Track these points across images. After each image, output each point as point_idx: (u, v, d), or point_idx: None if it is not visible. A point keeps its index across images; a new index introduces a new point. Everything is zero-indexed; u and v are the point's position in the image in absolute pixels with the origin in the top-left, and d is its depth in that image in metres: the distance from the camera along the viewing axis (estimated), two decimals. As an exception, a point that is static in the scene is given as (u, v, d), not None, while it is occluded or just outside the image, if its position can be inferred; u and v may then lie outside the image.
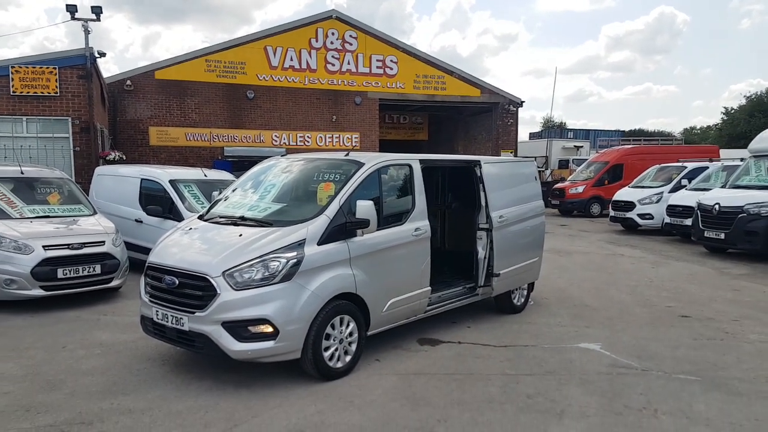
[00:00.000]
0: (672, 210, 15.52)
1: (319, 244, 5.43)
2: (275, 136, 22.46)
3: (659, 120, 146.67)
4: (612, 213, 18.48)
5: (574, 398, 5.23)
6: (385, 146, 25.32)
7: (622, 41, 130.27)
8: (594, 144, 39.12)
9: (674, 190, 16.82)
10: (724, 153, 27.64)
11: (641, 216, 17.34)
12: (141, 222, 10.47)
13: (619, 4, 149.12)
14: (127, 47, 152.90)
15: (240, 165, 20.03)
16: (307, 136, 22.94)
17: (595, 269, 11.66)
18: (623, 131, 54.29)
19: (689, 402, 5.18)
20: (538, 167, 29.65)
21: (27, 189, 9.18)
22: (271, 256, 5.21)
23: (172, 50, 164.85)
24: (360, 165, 6.06)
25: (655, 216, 16.92)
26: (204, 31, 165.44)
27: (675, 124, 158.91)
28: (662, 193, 17.15)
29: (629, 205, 17.66)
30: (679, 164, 18.45)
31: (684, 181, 16.87)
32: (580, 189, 22.93)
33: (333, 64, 23.04)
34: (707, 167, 16.86)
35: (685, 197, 15.25)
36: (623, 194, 18.37)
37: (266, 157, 7.62)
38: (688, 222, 14.30)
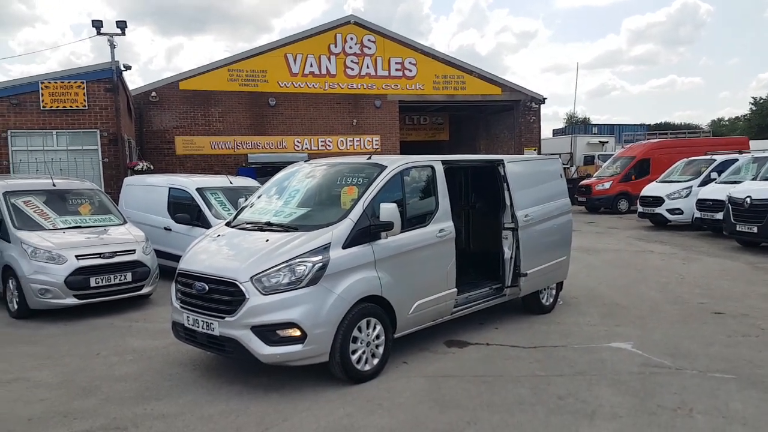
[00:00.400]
0: (702, 204, 15.23)
1: (344, 247, 5.46)
2: (297, 141, 22.63)
3: (685, 113, 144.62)
4: (640, 209, 18.18)
5: (606, 398, 5.17)
6: (406, 147, 25.34)
7: (644, 34, 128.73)
8: (619, 139, 38.60)
9: (704, 183, 16.49)
10: (753, 144, 27.09)
11: (670, 211, 17.04)
12: (169, 230, 10.64)
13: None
14: (150, 59, 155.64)
15: (263, 171, 20.21)
16: (329, 141, 23.07)
17: (624, 266, 11.51)
18: (648, 125, 53.56)
19: (725, 401, 5.08)
20: (563, 164, 29.41)
21: (59, 200, 9.39)
22: (298, 260, 5.26)
23: (195, 60, 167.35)
24: (382, 168, 6.09)
25: (685, 211, 16.60)
26: (225, 41, 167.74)
27: (702, 116, 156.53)
28: (691, 187, 16.82)
29: (658, 201, 17.36)
30: (708, 157, 18.09)
31: (713, 174, 16.53)
32: (607, 185, 22.63)
33: (352, 69, 23.14)
34: (737, 159, 16.49)
35: (715, 191, 14.95)
36: (651, 189, 18.06)
37: (289, 163, 7.69)
38: (719, 216, 14.01)
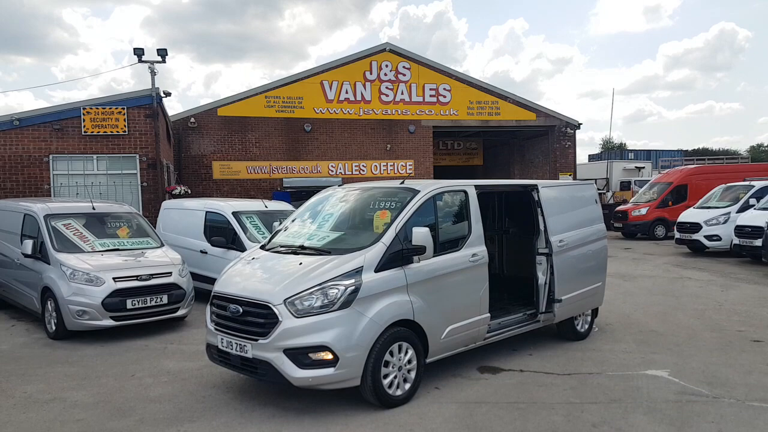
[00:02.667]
0: (740, 230, 14.90)
1: (377, 271, 5.48)
2: (331, 166, 22.86)
3: (723, 138, 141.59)
4: (677, 235, 17.85)
5: (641, 427, 5.06)
6: (439, 172, 25.37)
7: (681, 60, 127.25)
8: (656, 164, 38.01)
9: (742, 209, 16.15)
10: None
11: (708, 237, 16.69)
12: (205, 253, 10.80)
13: (676, 23, 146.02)
14: (189, 85, 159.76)
15: (298, 195, 20.46)
16: (363, 165, 23.25)
17: (661, 293, 11.27)
18: (686, 150, 52.63)
19: (763, 430, 4.92)
20: (599, 189, 29.07)
21: (98, 224, 9.62)
22: (330, 283, 5.29)
23: (233, 87, 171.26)
24: (415, 192, 6.12)
25: (723, 237, 16.25)
26: (262, 68, 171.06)
27: (740, 141, 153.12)
28: (729, 213, 16.48)
29: (695, 227, 17.02)
30: (746, 183, 17.73)
31: (752, 201, 16.19)
32: (644, 211, 22.27)
33: (387, 95, 23.38)
34: (776, 185, 16.14)
35: (754, 217, 14.63)
36: (689, 215, 17.74)
37: (323, 187, 7.77)
38: (758, 243, 13.70)
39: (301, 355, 5.15)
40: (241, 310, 5.49)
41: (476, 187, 6.66)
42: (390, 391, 5.48)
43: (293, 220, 7.01)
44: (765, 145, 69.75)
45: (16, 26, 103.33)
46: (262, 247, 6.62)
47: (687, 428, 5.01)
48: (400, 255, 5.64)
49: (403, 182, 6.59)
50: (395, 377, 5.54)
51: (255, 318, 5.38)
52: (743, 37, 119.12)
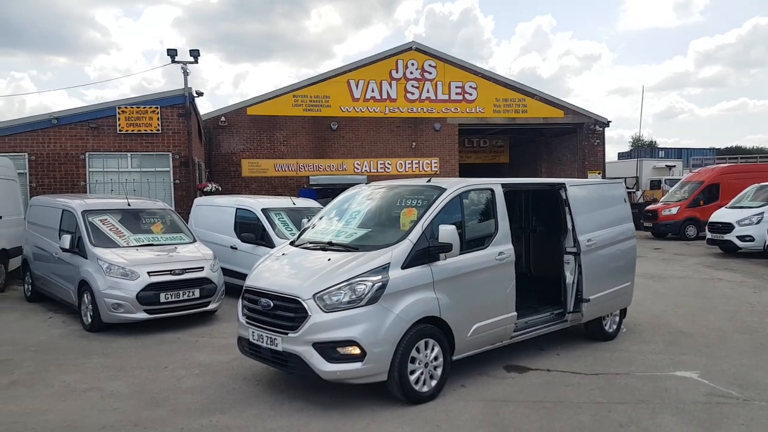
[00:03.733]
0: (775, 231, 14.60)
1: (403, 268, 5.55)
2: (357, 164, 23.00)
3: (757, 136, 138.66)
4: (709, 235, 17.57)
5: (669, 428, 5.06)
6: (465, 170, 25.31)
7: (713, 56, 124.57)
8: (687, 163, 37.40)
9: (776, 209, 15.83)
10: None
11: (741, 238, 16.39)
12: (235, 248, 11.00)
13: (708, 18, 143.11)
14: (218, 85, 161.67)
15: (324, 192, 20.62)
16: (388, 163, 23.33)
17: (691, 294, 11.14)
18: (718, 149, 51.63)
19: (797, 434, 4.89)
20: (628, 188, 28.71)
21: (133, 219, 9.88)
22: (357, 279, 5.38)
23: (260, 86, 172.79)
24: (442, 190, 6.17)
25: (756, 238, 15.95)
26: (289, 68, 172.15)
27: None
28: (763, 213, 16.16)
29: (727, 227, 16.74)
30: (781, 182, 17.37)
31: (787, 200, 15.86)
32: (674, 210, 21.96)
33: (413, 93, 23.42)
34: (812, 184, 15.80)
35: (789, 217, 14.33)
36: (720, 215, 17.44)
37: (349, 185, 7.87)
38: (794, 244, 13.41)
39: (329, 349, 5.25)
40: (271, 304, 5.61)
41: (503, 185, 6.69)
42: (416, 387, 5.55)
43: (321, 218, 7.11)
44: (801, 143, 68.08)
45: (51, 27, 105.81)
46: (292, 243, 6.74)
47: (716, 430, 5.00)
48: (426, 252, 5.70)
49: (429, 180, 6.65)
50: (421, 373, 5.60)
51: (285, 312, 5.50)
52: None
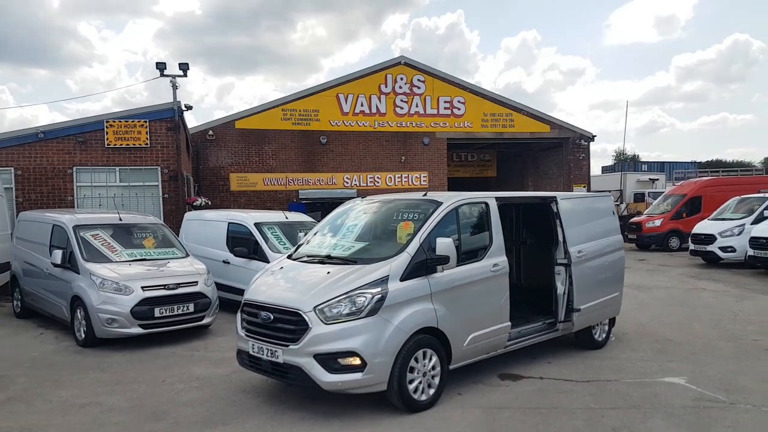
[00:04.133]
0: (755, 242, 14.96)
1: (402, 280, 5.68)
2: (347, 177, 23.11)
3: (738, 150, 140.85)
4: (692, 246, 17.90)
5: (660, 431, 5.21)
6: (453, 184, 25.51)
7: (695, 71, 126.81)
8: (670, 176, 38.02)
9: (757, 221, 16.19)
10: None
11: (723, 249, 16.73)
12: (228, 263, 11.04)
13: (690, 34, 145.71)
14: (202, 97, 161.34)
15: (313, 207, 20.72)
16: (377, 177, 23.47)
17: (676, 304, 11.37)
18: (699, 162, 52.49)
19: (783, 436, 5.06)
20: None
21: (125, 234, 9.89)
22: (357, 291, 5.49)
23: (245, 99, 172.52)
24: (438, 204, 6.32)
25: (738, 248, 16.28)
26: (275, 81, 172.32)
27: (755, 153, 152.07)
28: (744, 224, 16.52)
29: (710, 238, 17.07)
30: (761, 195, 17.76)
31: (767, 212, 16.25)
32: (658, 222, 22.33)
33: (402, 108, 23.63)
34: (791, 197, 16.19)
35: (769, 228, 14.67)
36: (703, 227, 17.79)
37: (339, 199, 7.99)
38: (774, 254, 13.73)
39: (330, 360, 5.35)
40: (272, 317, 5.70)
41: (497, 198, 6.85)
42: (415, 396, 5.66)
43: (317, 232, 7.21)
44: (779, 156, 69.25)
45: (31, 39, 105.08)
46: (289, 257, 6.83)
47: (705, 433, 5.15)
48: (424, 264, 5.83)
49: (425, 194, 6.79)
50: (420, 383, 5.71)
51: (285, 324, 5.59)
52: (757, 49, 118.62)
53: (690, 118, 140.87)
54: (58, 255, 9.20)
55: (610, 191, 30.19)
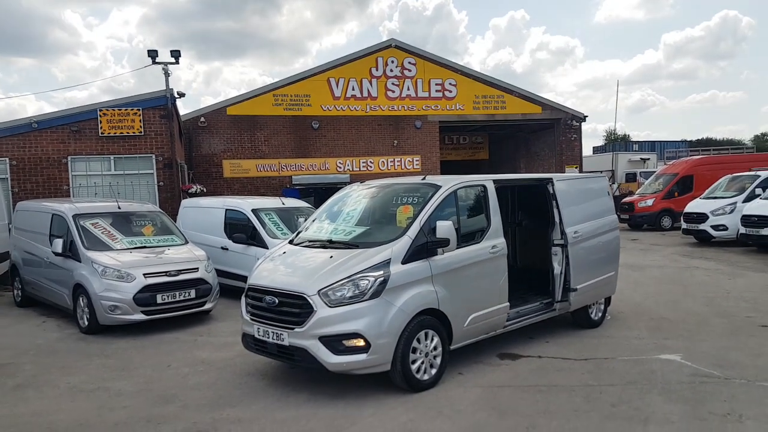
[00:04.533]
0: (747, 220, 15.16)
1: (403, 263, 5.79)
2: (339, 162, 23.16)
3: (727, 127, 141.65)
4: (684, 225, 18.11)
5: (658, 406, 5.36)
6: (446, 167, 25.63)
7: (683, 49, 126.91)
8: (661, 156, 38.27)
9: (748, 199, 16.41)
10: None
11: (715, 227, 16.95)
12: (226, 249, 11.12)
13: (678, 11, 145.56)
14: (189, 83, 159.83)
15: (307, 192, 20.77)
16: (370, 161, 23.54)
17: (669, 282, 11.56)
18: (689, 141, 52.80)
19: (775, 407, 5.23)
20: (604, 182, 29.26)
21: (124, 222, 9.95)
22: (360, 275, 5.61)
23: (233, 84, 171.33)
24: (437, 187, 6.42)
25: (730, 227, 16.51)
26: (263, 65, 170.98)
27: (744, 131, 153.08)
28: (736, 203, 16.74)
29: (702, 217, 17.28)
30: (752, 173, 17.95)
31: (758, 190, 16.45)
32: (650, 202, 22.56)
33: (393, 91, 23.64)
34: (782, 175, 16.39)
35: (760, 206, 14.89)
36: (695, 206, 17.99)
37: (332, 184, 8.08)
38: (765, 232, 13.97)
39: (335, 342, 5.47)
40: (276, 301, 5.81)
41: (494, 181, 6.96)
42: (418, 376, 5.80)
43: (316, 218, 7.30)
44: (769, 134, 69.79)
45: (15, 27, 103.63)
46: (290, 242, 6.92)
47: (701, 407, 5.31)
48: (425, 247, 5.94)
49: (424, 178, 6.89)
50: (422, 363, 5.85)
51: (290, 308, 5.70)
52: (746, 25, 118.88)
53: (679, 96, 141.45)
54: (59, 244, 9.26)
55: (602, 171, 30.42)
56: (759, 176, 17.33)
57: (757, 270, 12.61)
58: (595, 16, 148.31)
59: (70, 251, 9.23)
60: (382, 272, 5.63)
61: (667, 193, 22.42)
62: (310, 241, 6.64)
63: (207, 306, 9.26)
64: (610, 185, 29.07)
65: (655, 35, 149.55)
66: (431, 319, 5.94)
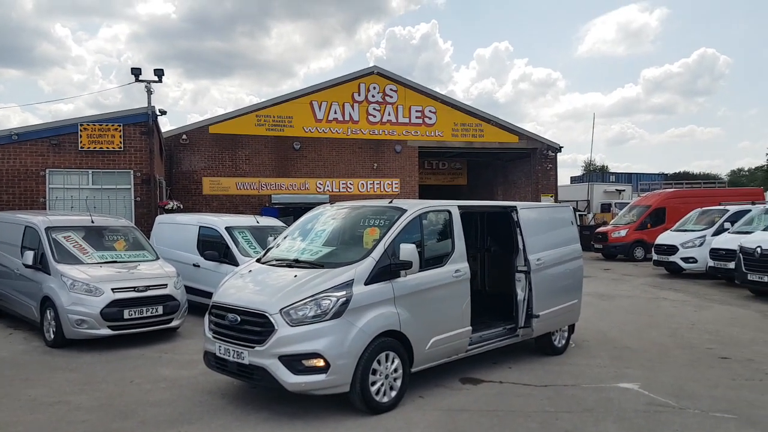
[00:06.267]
0: (715, 253, 15.45)
1: (366, 284, 5.89)
2: (319, 183, 23.31)
3: (704, 162, 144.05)
4: (655, 257, 18.39)
5: (610, 433, 5.47)
6: (425, 191, 25.89)
7: (663, 84, 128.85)
8: (636, 187, 38.91)
9: (717, 233, 16.72)
10: (770, 195, 27.18)
11: (684, 259, 17.26)
12: (198, 266, 11.14)
13: (657, 48, 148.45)
14: (176, 101, 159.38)
15: (286, 211, 20.82)
16: (350, 183, 23.72)
17: (636, 312, 11.74)
18: (666, 174, 53.76)
19: (723, 438, 5.37)
20: (580, 211, 29.71)
21: (97, 236, 9.95)
22: (323, 294, 5.69)
23: (220, 103, 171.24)
24: (403, 211, 6.55)
25: (699, 259, 16.81)
26: (250, 86, 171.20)
27: (721, 166, 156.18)
28: (705, 236, 17.06)
29: (672, 249, 17.59)
30: (722, 207, 18.35)
31: (727, 224, 16.79)
32: (623, 233, 22.89)
33: (374, 116, 23.95)
34: (750, 210, 16.77)
35: (728, 240, 15.17)
36: (666, 238, 18.30)
37: (311, 204, 8.18)
38: (732, 265, 14.22)
39: (294, 362, 5.53)
40: (239, 319, 5.87)
41: (459, 207, 7.11)
42: (377, 398, 5.86)
43: (286, 236, 7.39)
44: (745, 169, 71.39)
45: (4, 39, 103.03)
46: (258, 261, 7.00)
47: (652, 434, 5.44)
48: (388, 269, 6.04)
49: (391, 201, 7.02)
50: (382, 385, 5.91)
51: (252, 326, 5.76)
52: (723, 63, 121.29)
53: (658, 129, 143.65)
54: (29, 256, 9.24)
55: (577, 201, 30.90)
56: (728, 210, 17.71)
57: (723, 303, 12.86)
58: (577, 50, 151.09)
59: (41, 263, 9.20)
60: (344, 292, 5.72)
61: (640, 225, 22.80)
62: (277, 260, 6.72)
63: (174, 323, 9.25)
64: (586, 215, 29.56)
65: (635, 70, 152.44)
66: (392, 340, 6.02)
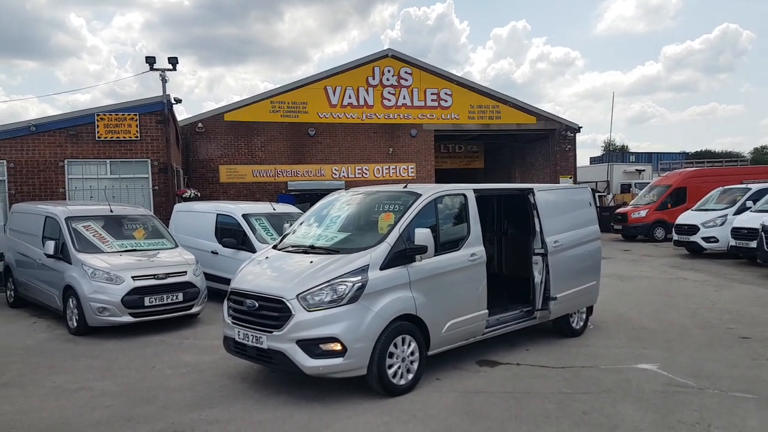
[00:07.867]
0: (737, 232, 15.26)
1: (382, 269, 5.91)
2: (335, 169, 23.33)
3: (726, 140, 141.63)
4: (675, 237, 18.21)
5: (628, 414, 5.46)
6: (441, 175, 25.79)
7: (683, 61, 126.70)
8: (656, 167, 38.45)
9: (739, 212, 16.49)
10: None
11: (706, 239, 17.06)
12: (216, 253, 11.25)
13: (678, 24, 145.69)
14: (191, 89, 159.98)
15: (302, 198, 20.93)
16: (365, 169, 23.71)
17: (656, 293, 11.66)
18: (688, 153, 53.02)
19: (743, 417, 5.34)
20: (600, 192, 29.45)
21: (116, 225, 10.09)
22: (339, 280, 5.73)
23: (235, 90, 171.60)
24: (417, 195, 6.55)
25: (720, 239, 16.60)
26: (265, 72, 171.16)
27: (744, 143, 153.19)
28: (726, 215, 16.84)
29: (693, 229, 17.39)
30: (743, 186, 18.09)
31: (749, 203, 16.54)
32: (643, 213, 22.67)
33: (389, 100, 23.84)
34: (772, 188, 16.52)
35: (750, 219, 14.97)
36: (686, 218, 18.09)
37: (327, 190, 8.19)
38: (754, 244, 14.04)
39: (312, 346, 5.59)
40: (256, 305, 5.93)
41: (475, 191, 7.09)
42: (394, 381, 5.91)
43: (302, 223, 7.43)
44: (768, 146, 70.05)
45: (20, 30, 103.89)
46: (274, 247, 7.05)
47: (671, 416, 5.40)
48: (403, 254, 6.06)
49: (406, 186, 7.02)
50: (399, 368, 5.96)
51: (270, 312, 5.82)
52: (746, 39, 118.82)
53: (679, 108, 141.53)
54: (50, 246, 9.40)
55: (597, 182, 30.61)
56: (750, 189, 17.45)
57: (745, 282, 12.71)
58: (596, 28, 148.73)
59: (62, 253, 9.35)
60: (360, 278, 5.75)
61: (660, 205, 22.55)
62: (293, 247, 6.77)
63: (194, 309, 9.38)
64: (605, 196, 29.29)
65: (655, 47, 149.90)
66: (409, 324, 6.05)
